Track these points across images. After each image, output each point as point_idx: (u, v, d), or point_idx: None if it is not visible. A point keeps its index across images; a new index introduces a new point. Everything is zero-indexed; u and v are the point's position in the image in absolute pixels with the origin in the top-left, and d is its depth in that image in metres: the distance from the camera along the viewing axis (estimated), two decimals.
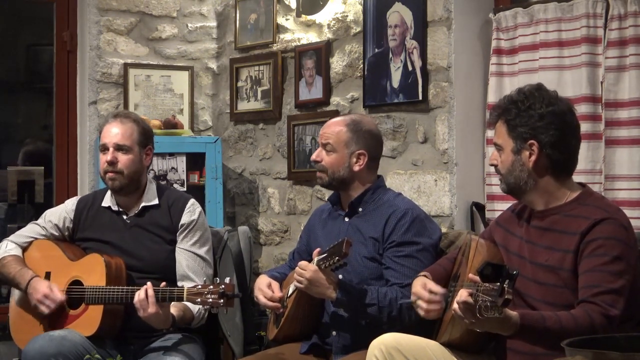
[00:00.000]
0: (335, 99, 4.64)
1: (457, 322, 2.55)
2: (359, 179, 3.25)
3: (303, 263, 3.04)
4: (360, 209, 3.25)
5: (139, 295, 3.05)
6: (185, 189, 4.77)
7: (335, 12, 4.65)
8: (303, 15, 4.82)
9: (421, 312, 2.82)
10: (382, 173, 3.40)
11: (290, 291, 3.20)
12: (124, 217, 3.44)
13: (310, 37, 4.80)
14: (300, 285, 3.04)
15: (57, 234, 3.48)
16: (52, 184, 5.09)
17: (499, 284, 2.25)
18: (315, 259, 3.03)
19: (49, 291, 3.26)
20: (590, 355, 2.11)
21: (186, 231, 3.39)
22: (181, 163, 4.88)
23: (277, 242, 5.04)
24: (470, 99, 4.11)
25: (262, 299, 3.21)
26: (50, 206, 3.97)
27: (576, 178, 2.80)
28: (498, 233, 2.87)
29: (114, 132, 3.37)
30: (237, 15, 5.21)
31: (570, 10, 3.73)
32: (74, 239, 3.49)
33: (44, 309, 3.25)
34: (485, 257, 2.71)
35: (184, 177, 4.87)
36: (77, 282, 3.32)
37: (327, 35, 4.69)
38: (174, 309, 3.15)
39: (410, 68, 4.20)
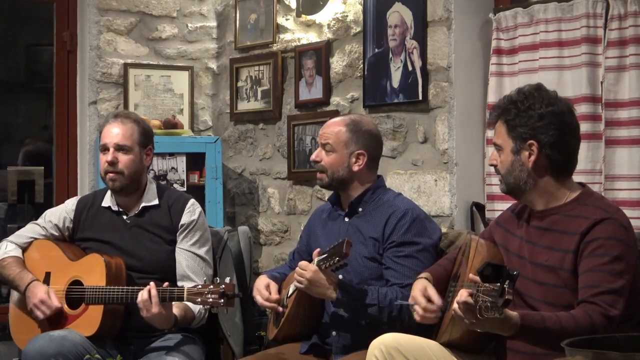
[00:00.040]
0: (335, 99, 4.64)
1: (457, 322, 2.55)
2: (359, 179, 3.25)
3: (303, 263, 3.04)
4: (360, 209, 3.25)
5: (142, 295, 3.05)
6: (185, 189, 4.77)
7: (335, 12, 4.65)
8: (303, 15, 4.82)
9: (416, 317, 2.83)
10: (382, 173, 3.40)
11: (291, 291, 3.20)
12: (124, 217, 3.44)
13: (310, 37, 4.80)
14: (300, 286, 3.04)
15: (57, 234, 3.48)
16: (52, 184, 5.09)
17: (499, 284, 2.25)
18: (316, 259, 3.03)
19: (46, 297, 3.26)
20: (590, 355, 2.11)
21: (186, 231, 3.39)
22: (181, 163, 4.88)
23: (277, 242, 5.04)
24: (470, 99, 4.11)
25: (259, 300, 3.21)
26: (50, 206, 3.97)
27: (576, 178, 2.80)
28: (498, 233, 2.87)
29: (115, 132, 3.37)
30: (237, 15, 5.21)
31: (570, 10, 3.73)
32: (73, 239, 3.49)
33: (39, 314, 3.26)
34: (485, 257, 2.71)
35: (184, 177, 4.87)
36: (77, 282, 3.32)
37: (327, 35, 4.69)
38: (175, 309, 3.15)
39: (410, 68, 4.20)
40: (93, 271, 3.28)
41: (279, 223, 5.02)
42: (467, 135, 4.09)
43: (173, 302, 3.11)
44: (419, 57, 4.16)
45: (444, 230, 3.71)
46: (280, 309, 3.20)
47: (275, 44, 4.99)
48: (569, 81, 3.72)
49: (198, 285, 3.07)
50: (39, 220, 3.53)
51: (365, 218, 3.23)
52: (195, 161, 4.91)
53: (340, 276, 3.08)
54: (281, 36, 4.96)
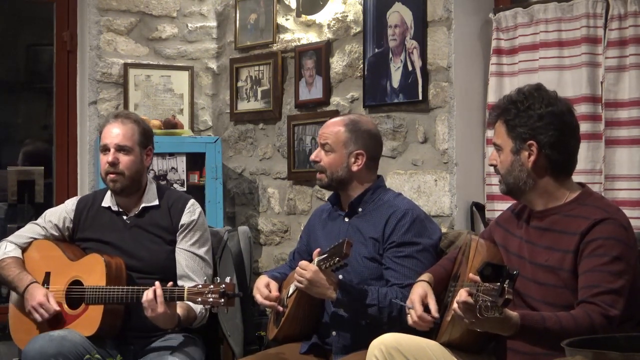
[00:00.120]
0: (335, 99, 4.64)
1: (457, 322, 2.55)
2: (358, 179, 3.25)
3: (303, 263, 3.04)
4: (360, 209, 3.25)
5: (147, 295, 3.05)
6: (185, 189, 4.77)
7: (335, 12, 4.65)
8: (303, 15, 4.82)
9: (409, 321, 2.83)
10: (382, 173, 3.40)
11: (291, 291, 3.20)
12: (124, 217, 3.44)
13: (310, 37, 4.80)
14: (300, 286, 3.04)
15: (56, 234, 3.48)
16: (52, 184, 5.09)
17: (499, 284, 2.25)
18: (316, 260, 3.03)
19: (45, 300, 3.26)
20: (590, 355, 2.11)
21: (186, 231, 3.39)
22: (181, 163, 4.88)
23: (277, 242, 5.04)
24: (470, 99, 4.11)
25: (258, 298, 3.21)
26: (50, 206, 3.96)
27: (576, 178, 2.80)
28: (498, 233, 2.88)
29: (115, 133, 3.37)
30: (237, 15, 5.21)
31: (570, 10, 3.73)
32: (73, 239, 3.49)
33: (38, 317, 3.26)
34: (485, 257, 2.71)
35: (184, 177, 4.87)
36: (77, 282, 3.32)
37: (327, 35, 4.69)
38: (179, 309, 3.16)
39: (410, 68, 4.20)
40: (93, 271, 3.28)
41: (279, 223, 5.02)
42: (467, 135, 4.09)
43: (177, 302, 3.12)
44: (419, 57, 4.16)
45: (444, 230, 3.71)
46: (281, 308, 3.21)
47: (275, 44, 4.99)
48: (569, 81, 3.72)
49: (198, 285, 3.08)
50: (39, 220, 3.52)
51: (365, 218, 3.23)
52: (195, 161, 4.91)
53: (340, 276, 3.08)
54: (281, 36, 4.97)
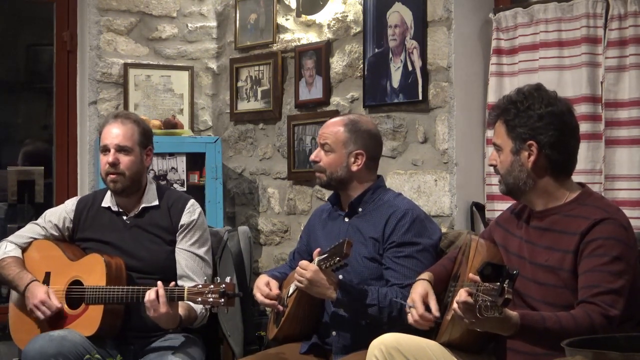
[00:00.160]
0: (335, 99, 4.64)
1: (457, 322, 2.55)
2: (358, 179, 3.25)
3: (304, 263, 3.04)
4: (360, 209, 3.25)
5: (150, 295, 3.05)
6: (185, 189, 4.77)
7: (335, 12, 4.65)
8: (303, 15, 4.82)
9: (409, 320, 2.83)
10: (382, 173, 3.40)
11: (291, 291, 3.20)
12: (124, 217, 3.44)
13: (310, 37, 4.80)
14: (300, 285, 3.04)
15: (56, 234, 3.48)
16: (52, 184, 5.09)
17: (498, 283, 2.25)
18: (316, 259, 3.03)
19: (46, 297, 3.26)
20: (590, 355, 2.11)
21: (186, 231, 3.39)
22: (181, 163, 4.88)
23: (277, 242, 5.04)
24: (470, 99, 4.11)
25: (259, 297, 3.21)
26: (50, 206, 3.97)
27: (576, 178, 2.80)
28: (498, 233, 2.88)
29: (115, 133, 3.37)
30: (237, 15, 5.21)
31: (570, 10, 3.73)
32: (73, 239, 3.49)
33: (40, 315, 3.26)
34: (485, 257, 2.71)
35: (184, 177, 4.87)
36: (77, 282, 3.32)
37: (327, 35, 4.69)
38: (180, 309, 3.16)
39: (410, 68, 4.20)
40: (93, 271, 3.28)
41: (279, 223, 5.02)
42: (467, 135, 4.09)
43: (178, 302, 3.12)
44: (419, 57, 4.16)
45: (444, 230, 3.71)
46: (281, 307, 3.21)
47: (275, 44, 4.99)
48: (569, 81, 3.72)
49: (198, 284, 3.08)
50: (39, 220, 3.53)
51: (365, 218, 3.23)
52: (195, 161, 4.91)
53: (341, 276, 3.08)
54: (281, 36, 4.97)
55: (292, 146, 4.85)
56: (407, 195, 3.67)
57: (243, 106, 5.21)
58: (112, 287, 3.21)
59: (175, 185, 4.77)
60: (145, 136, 3.43)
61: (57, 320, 3.29)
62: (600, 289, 2.50)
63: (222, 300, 3.00)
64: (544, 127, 2.65)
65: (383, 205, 3.22)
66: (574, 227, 2.60)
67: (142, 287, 3.15)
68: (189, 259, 3.36)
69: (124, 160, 3.35)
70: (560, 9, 3.76)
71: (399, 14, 4.26)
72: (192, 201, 3.47)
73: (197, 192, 4.68)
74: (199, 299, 3.03)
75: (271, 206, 5.07)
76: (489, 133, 3.93)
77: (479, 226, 4.03)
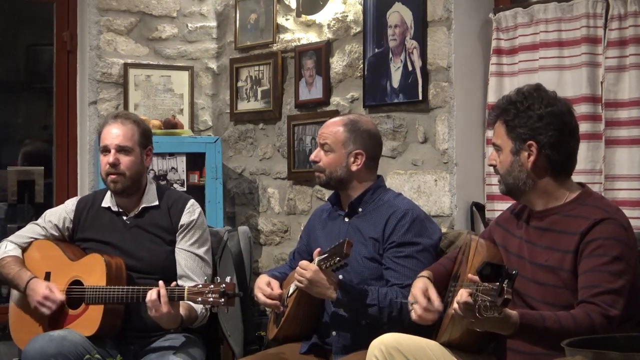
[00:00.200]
0: (335, 99, 4.64)
1: (457, 322, 2.55)
2: (357, 179, 3.25)
3: (304, 263, 3.03)
4: (360, 209, 3.25)
5: (151, 295, 3.05)
6: (185, 189, 4.77)
7: (335, 12, 4.65)
8: (303, 15, 4.82)
9: (413, 316, 2.82)
10: (382, 173, 3.40)
11: (291, 291, 3.20)
12: (124, 217, 3.44)
13: (310, 37, 4.80)
14: (300, 285, 3.04)
15: (56, 234, 3.49)
16: (52, 184, 5.09)
17: (498, 283, 2.26)
18: (316, 259, 3.03)
19: (49, 292, 3.26)
20: (590, 355, 2.11)
21: (185, 231, 3.39)
22: (181, 163, 4.88)
23: (277, 242, 5.04)
24: (470, 99, 4.11)
25: (260, 297, 3.21)
26: (50, 206, 3.97)
27: (576, 178, 2.81)
28: (498, 233, 2.88)
29: (115, 134, 3.37)
30: (237, 15, 5.21)
31: (570, 10, 3.73)
32: (73, 239, 3.49)
33: (45, 310, 3.25)
34: (485, 257, 2.71)
35: (184, 177, 4.87)
36: (77, 282, 3.32)
37: (327, 35, 4.69)
38: (181, 309, 3.16)
39: (410, 68, 4.20)
40: (93, 271, 3.28)
41: (279, 223, 5.02)
42: (467, 135, 4.09)
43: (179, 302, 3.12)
44: (419, 57, 4.16)
45: (444, 230, 3.71)
46: (282, 307, 3.20)
47: (275, 44, 4.99)
48: (569, 81, 3.72)
49: (198, 284, 3.08)
50: (39, 221, 3.53)
51: (365, 218, 3.23)
52: (195, 161, 4.91)
53: (341, 276, 3.08)
54: (281, 36, 4.97)
55: (292, 146, 4.85)
56: (407, 195, 3.67)
57: (243, 106, 5.21)
58: (112, 287, 3.21)
59: (175, 185, 4.77)
60: (145, 136, 3.43)
61: (57, 320, 3.29)
62: (600, 289, 2.50)
63: (222, 300, 3.00)
64: (543, 127, 2.65)
65: (383, 205, 3.22)
66: (574, 227, 2.60)
67: (142, 287, 3.15)
68: (188, 258, 3.36)
69: (124, 160, 3.35)
70: (560, 9, 3.76)
71: (399, 14, 4.26)
72: (192, 201, 3.47)
73: (197, 192, 4.68)
74: (199, 299, 3.03)
75: (271, 206, 5.07)
76: (489, 133, 3.93)
77: (479, 226, 4.03)
